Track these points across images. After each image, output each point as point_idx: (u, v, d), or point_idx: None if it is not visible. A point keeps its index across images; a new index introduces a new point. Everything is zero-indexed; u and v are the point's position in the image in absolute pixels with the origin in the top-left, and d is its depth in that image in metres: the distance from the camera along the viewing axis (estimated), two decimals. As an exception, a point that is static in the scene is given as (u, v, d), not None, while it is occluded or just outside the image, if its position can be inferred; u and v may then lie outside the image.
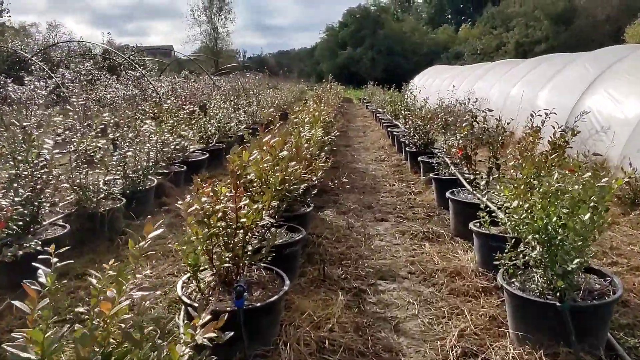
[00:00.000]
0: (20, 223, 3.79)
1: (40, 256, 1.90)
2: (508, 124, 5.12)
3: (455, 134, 5.28)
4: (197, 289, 2.80)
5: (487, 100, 12.48)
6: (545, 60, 12.70)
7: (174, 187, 6.64)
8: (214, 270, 2.86)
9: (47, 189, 4.19)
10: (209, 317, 1.81)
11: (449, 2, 63.53)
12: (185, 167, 7.20)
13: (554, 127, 3.65)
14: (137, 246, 1.90)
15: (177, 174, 6.84)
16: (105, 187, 4.85)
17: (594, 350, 2.70)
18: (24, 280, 1.62)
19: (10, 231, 3.66)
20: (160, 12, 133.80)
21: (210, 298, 2.78)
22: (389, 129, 12.00)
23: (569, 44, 31.38)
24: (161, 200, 6.26)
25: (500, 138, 4.56)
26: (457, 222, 4.96)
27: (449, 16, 64.81)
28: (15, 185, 3.93)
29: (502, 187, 3.44)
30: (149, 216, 5.68)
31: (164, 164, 6.09)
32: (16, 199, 3.80)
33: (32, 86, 7.39)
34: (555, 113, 3.86)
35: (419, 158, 7.47)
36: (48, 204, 4.22)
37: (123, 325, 1.64)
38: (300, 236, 3.92)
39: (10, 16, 23.70)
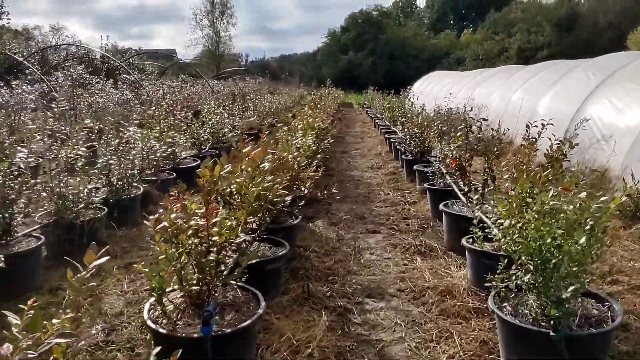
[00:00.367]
0: (-11, 235, 3.61)
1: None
2: (504, 133, 4.92)
3: (449, 144, 5.09)
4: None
5: (487, 107, 12.29)
6: (547, 67, 12.51)
7: (162, 195, 6.46)
8: (184, 292, 2.67)
9: (21, 199, 4.01)
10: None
11: (451, 8, 63.47)
12: (174, 174, 7.02)
13: (550, 139, 3.46)
14: (78, 276, 1.70)
15: (165, 181, 6.66)
16: (85, 196, 4.67)
17: (592, 383, 2.50)
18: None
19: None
20: (163, 15, 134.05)
21: (179, 322, 2.58)
22: (386, 136, 11.81)
23: (571, 51, 31.26)
24: (148, 209, 6.07)
25: (495, 149, 4.37)
26: (450, 236, 4.76)
27: (451, 22, 64.77)
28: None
29: (496, 202, 3.25)
30: (133, 226, 5.51)
31: (150, 172, 5.90)
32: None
33: (19, 90, 7.24)
34: (552, 124, 3.66)
35: (415, 167, 7.28)
36: (21, 215, 4.03)
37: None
38: (284, 252, 3.73)
39: (9, 19, 23.60)
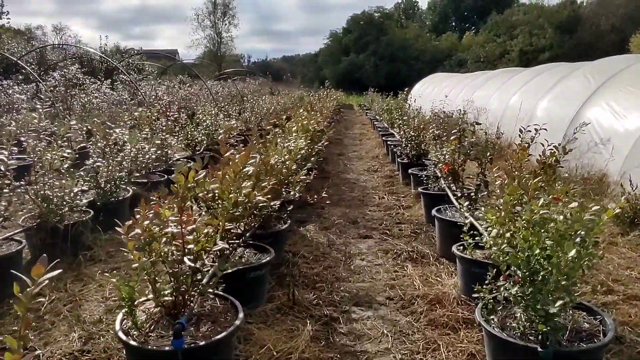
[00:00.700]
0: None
1: None
2: (498, 138, 4.81)
3: (441, 148, 4.98)
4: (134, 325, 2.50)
5: (486, 109, 12.18)
6: (547, 70, 12.39)
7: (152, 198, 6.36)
8: (156, 303, 2.56)
9: (0, 201, 3.91)
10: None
11: (453, 10, 63.38)
12: (166, 176, 6.92)
13: (543, 145, 3.35)
14: (26, 291, 1.60)
15: (156, 183, 6.56)
16: (69, 199, 4.57)
17: (582, 400, 2.39)
18: None
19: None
20: (166, 16, 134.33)
21: (151, 334, 2.48)
22: (384, 138, 11.70)
23: (573, 53, 31.15)
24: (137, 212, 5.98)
25: (488, 153, 4.26)
26: (443, 242, 4.65)
27: (453, 23, 64.68)
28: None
29: (485, 210, 3.15)
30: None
31: (139, 174, 5.80)
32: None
33: (10, 90, 7.15)
34: (545, 129, 3.55)
35: (409, 170, 7.17)
36: (0, 218, 3.93)
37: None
38: (268, 258, 3.62)
39: (9, 18, 23.51)
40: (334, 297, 3.83)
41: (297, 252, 4.72)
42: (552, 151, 3.32)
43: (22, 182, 4.41)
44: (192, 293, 2.60)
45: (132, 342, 2.38)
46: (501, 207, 2.84)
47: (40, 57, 17.36)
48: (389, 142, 10.42)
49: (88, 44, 27.98)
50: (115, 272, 4.31)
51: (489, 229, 3.00)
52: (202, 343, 2.40)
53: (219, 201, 3.14)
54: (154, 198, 2.81)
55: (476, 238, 3.44)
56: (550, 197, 2.47)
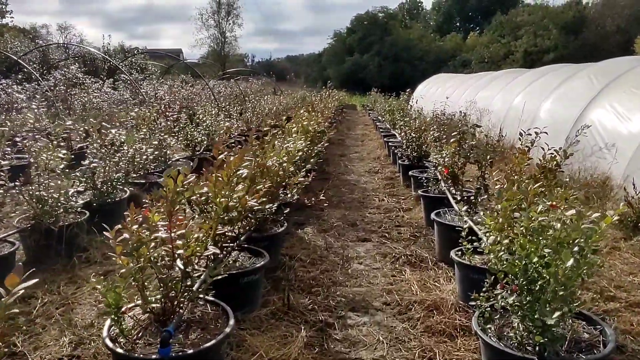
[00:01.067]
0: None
1: None
2: (498, 140, 4.74)
3: (441, 151, 4.91)
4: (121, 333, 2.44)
5: (489, 110, 12.10)
6: (551, 71, 12.27)
7: (150, 199, 6.31)
8: (144, 309, 2.51)
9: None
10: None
11: (457, 10, 63.15)
12: (165, 176, 6.88)
13: (543, 149, 3.27)
14: (2, 300, 1.55)
15: (154, 184, 6.51)
16: (64, 200, 4.52)
17: (580, 414, 2.32)
18: None
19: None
20: (170, 16, 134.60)
21: (138, 342, 2.43)
22: (385, 139, 11.62)
23: (578, 54, 30.96)
24: (135, 213, 5.94)
25: (489, 156, 4.18)
26: (442, 246, 4.57)
27: (457, 24, 64.46)
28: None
29: (484, 215, 3.08)
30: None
31: (136, 175, 5.75)
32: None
33: (9, 90, 7.12)
34: (546, 132, 3.48)
35: (410, 172, 7.10)
36: (-6, 220, 3.89)
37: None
38: (262, 263, 3.56)
39: (12, 17, 23.60)
40: (330, 302, 3.76)
41: (294, 255, 4.66)
42: (553, 155, 3.24)
43: (16, 183, 4.37)
44: (182, 299, 2.55)
45: (119, 350, 2.33)
46: (499, 213, 2.78)
47: (43, 56, 17.37)
48: (390, 144, 10.35)
49: (92, 43, 28.04)
50: (106, 276, 4.29)
51: (487, 234, 2.94)
52: (190, 351, 2.34)
53: (212, 204, 3.09)
54: (148, 200, 2.76)
55: (475, 243, 3.37)
56: (549, 203, 2.40)
